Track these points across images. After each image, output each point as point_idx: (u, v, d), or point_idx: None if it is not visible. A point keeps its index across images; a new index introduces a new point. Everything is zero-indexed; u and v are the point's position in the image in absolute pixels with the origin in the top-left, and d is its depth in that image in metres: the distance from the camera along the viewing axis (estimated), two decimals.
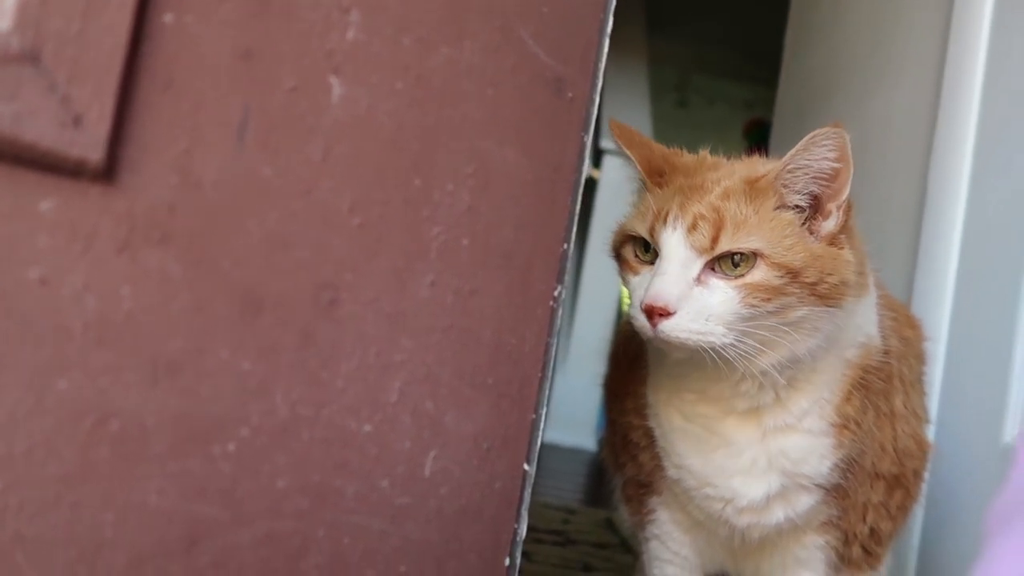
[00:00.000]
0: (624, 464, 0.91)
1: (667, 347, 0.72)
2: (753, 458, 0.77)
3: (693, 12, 3.72)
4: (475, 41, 0.58)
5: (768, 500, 0.78)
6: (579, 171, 0.63)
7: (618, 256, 0.80)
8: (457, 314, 0.58)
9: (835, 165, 0.72)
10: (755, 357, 0.71)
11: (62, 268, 0.47)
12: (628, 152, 0.79)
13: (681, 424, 0.80)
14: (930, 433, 0.91)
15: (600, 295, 3.07)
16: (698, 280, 0.70)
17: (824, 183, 0.73)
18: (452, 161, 0.57)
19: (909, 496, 0.85)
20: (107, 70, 0.46)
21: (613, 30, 0.66)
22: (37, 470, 0.47)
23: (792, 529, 0.81)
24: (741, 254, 0.70)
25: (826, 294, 0.71)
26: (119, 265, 0.48)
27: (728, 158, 0.82)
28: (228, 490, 0.51)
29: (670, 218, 0.72)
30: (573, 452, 2.98)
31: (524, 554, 1.21)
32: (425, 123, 0.56)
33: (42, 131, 0.44)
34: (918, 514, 1.04)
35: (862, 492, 0.81)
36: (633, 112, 3.15)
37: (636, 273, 0.76)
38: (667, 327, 0.69)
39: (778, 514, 0.78)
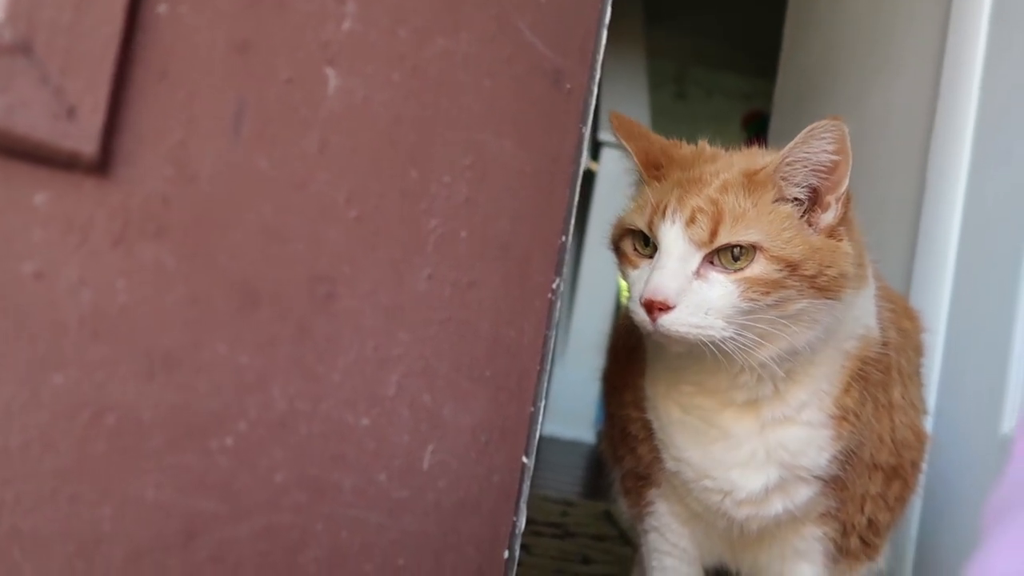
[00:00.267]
0: (623, 456, 0.91)
1: (667, 341, 0.72)
2: (752, 450, 0.77)
3: (691, 4, 3.71)
4: (471, 32, 0.57)
5: (767, 492, 0.78)
6: (577, 163, 0.63)
7: (617, 250, 0.79)
8: (455, 307, 0.58)
9: (834, 157, 0.72)
10: (754, 350, 0.71)
11: (57, 262, 0.47)
12: (626, 145, 0.79)
13: (679, 416, 0.80)
14: (928, 424, 0.91)
15: (599, 288, 3.07)
16: (697, 274, 0.70)
17: (823, 175, 0.73)
18: (449, 153, 0.57)
19: (907, 487, 0.85)
20: (100, 61, 0.45)
21: (611, 22, 0.65)
22: (33, 464, 0.46)
23: (790, 521, 0.81)
24: (740, 247, 0.70)
25: (825, 286, 0.71)
26: (114, 258, 0.48)
27: (726, 149, 0.82)
28: (226, 484, 0.51)
29: (668, 211, 0.72)
30: (572, 445, 2.98)
31: (523, 547, 1.22)
32: (422, 114, 0.56)
33: (35, 123, 0.44)
34: (916, 505, 1.04)
35: (860, 483, 0.81)
36: (631, 104, 3.14)
37: (635, 267, 0.75)
38: (667, 321, 0.69)
39: (776, 506, 0.79)
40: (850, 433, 0.78)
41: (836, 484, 0.80)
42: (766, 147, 0.83)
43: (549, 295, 0.61)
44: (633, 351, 0.85)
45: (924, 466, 0.89)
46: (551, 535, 1.48)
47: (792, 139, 0.72)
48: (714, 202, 0.71)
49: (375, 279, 0.55)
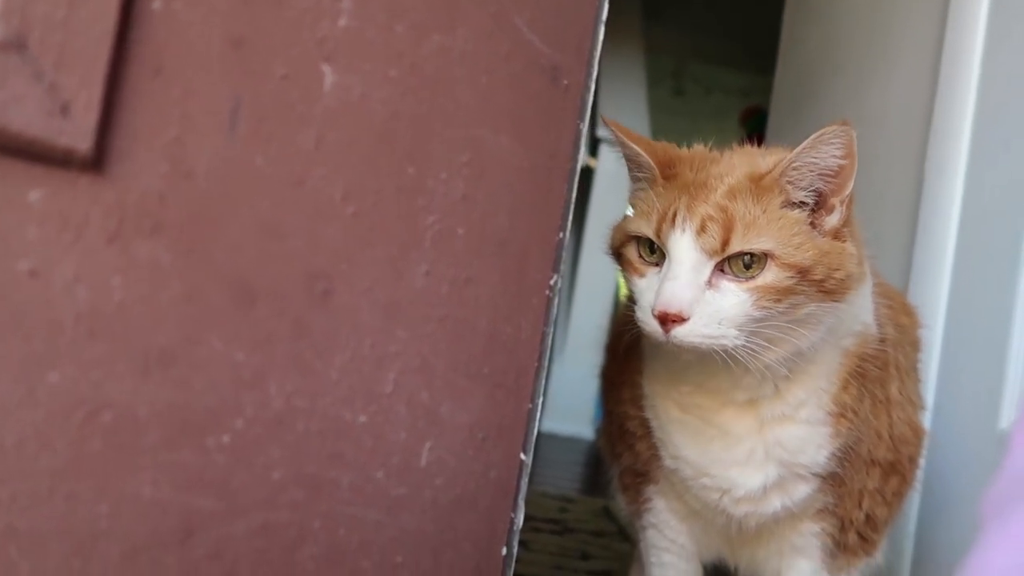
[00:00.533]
0: (621, 453, 0.91)
1: (679, 351, 0.72)
2: (750, 449, 0.77)
3: (689, 0, 3.71)
4: (468, 28, 0.57)
5: (765, 490, 0.78)
6: (575, 159, 0.63)
7: (618, 256, 0.79)
8: (452, 304, 0.57)
9: (841, 162, 0.72)
10: (762, 353, 0.70)
11: (52, 259, 0.46)
12: (634, 146, 0.77)
13: (678, 415, 0.80)
14: (926, 420, 0.91)
15: (597, 285, 3.07)
16: (709, 283, 0.70)
17: (829, 179, 0.72)
18: (446, 149, 0.57)
19: (904, 482, 0.86)
20: (95, 57, 0.45)
21: (609, 19, 0.65)
22: (29, 463, 0.46)
23: (788, 517, 0.81)
24: (752, 255, 0.69)
25: (833, 289, 0.71)
26: (110, 256, 0.48)
27: (720, 150, 0.81)
28: (223, 481, 0.51)
29: (678, 219, 0.71)
30: (571, 441, 2.98)
31: (522, 543, 1.22)
32: (418, 111, 0.56)
33: (29, 120, 0.44)
34: (914, 500, 1.04)
35: (858, 479, 0.81)
36: (629, 101, 3.14)
37: (641, 275, 0.74)
38: (681, 333, 0.69)
39: (775, 503, 0.79)
40: (848, 430, 0.78)
41: (834, 480, 0.80)
42: (762, 144, 0.83)
43: (547, 292, 0.61)
44: (631, 349, 0.85)
45: (922, 462, 0.89)
46: (550, 531, 1.49)
47: (791, 135, 0.72)
48: (724, 209, 0.70)
49: (372, 276, 0.55)
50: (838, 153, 0.71)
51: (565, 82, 0.61)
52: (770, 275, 0.69)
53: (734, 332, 0.69)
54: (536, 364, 0.61)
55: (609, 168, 2.99)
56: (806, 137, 0.71)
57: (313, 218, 0.53)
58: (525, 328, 0.60)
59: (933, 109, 1.19)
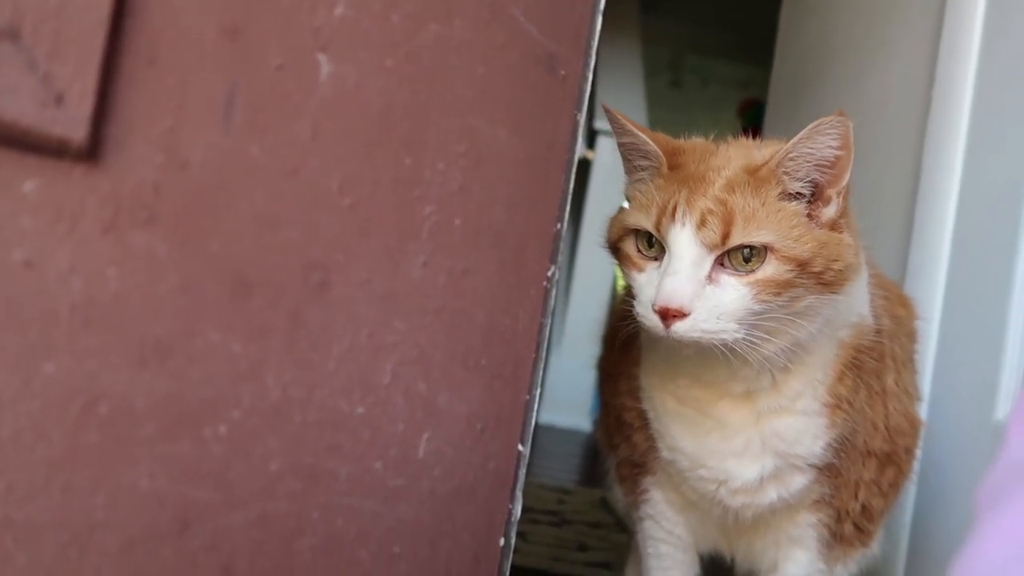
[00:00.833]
0: (618, 445, 0.91)
1: (679, 345, 0.72)
2: (747, 440, 0.77)
3: None
4: (465, 17, 0.57)
5: (761, 481, 0.78)
6: (572, 150, 0.63)
7: (615, 250, 0.78)
8: (449, 295, 0.57)
9: (837, 152, 0.71)
10: (761, 346, 0.71)
11: (47, 250, 0.46)
12: (642, 135, 0.76)
13: (675, 407, 0.80)
14: (923, 411, 0.92)
15: (595, 277, 3.07)
16: (709, 278, 0.70)
17: (825, 170, 0.72)
18: (443, 139, 0.57)
19: (901, 473, 0.86)
20: (89, 46, 0.45)
21: (606, 10, 0.65)
22: (25, 454, 0.46)
23: (785, 508, 0.81)
24: (752, 248, 0.69)
25: (832, 281, 0.71)
26: (105, 246, 0.47)
27: (716, 142, 0.80)
28: (220, 473, 0.51)
29: (678, 213, 0.70)
30: (569, 433, 2.99)
31: (519, 534, 1.21)
32: (415, 101, 0.56)
33: (23, 109, 0.43)
34: (910, 491, 1.05)
35: (854, 470, 0.82)
36: (627, 92, 3.13)
37: (640, 270, 0.74)
38: (681, 328, 0.69)
39: (771, 494, 0.79)
40: (844, 421, 0.78)
41: (830, 471, 0.80)
42: (760, 136, 0.82)
43: (544, 283, 0.61)
44: (628, 340, 0.85)
45: (918, 452, 0.89)
46: (548, 523, 1.49)
47: (788, 127, 0.72)
48: (723, 202, 0.70)
49: (369, 267, 0.55)
50: (834, 144, 0.71)
51: (562, 72, 0.61)
52: (770, 268, 0.69)
53: (734, 326, 0.69)
54: (534, 355, 0.61)
55: (607, 160, 2.98)
56: (803, 129, 0.71)
57: (309, 209, 0.53)
58: (523, 319, 0.60)
59: (930, 100, 1.19)
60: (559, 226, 0.62)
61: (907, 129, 1.28)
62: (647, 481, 0.88)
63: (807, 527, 0.83)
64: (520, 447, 0.61)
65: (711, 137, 0.81)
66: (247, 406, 0.51)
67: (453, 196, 0.57)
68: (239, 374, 0.51)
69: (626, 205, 0.80)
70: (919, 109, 1.24)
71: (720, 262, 0.70)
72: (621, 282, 0.80)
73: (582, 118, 0.64)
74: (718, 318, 0.69)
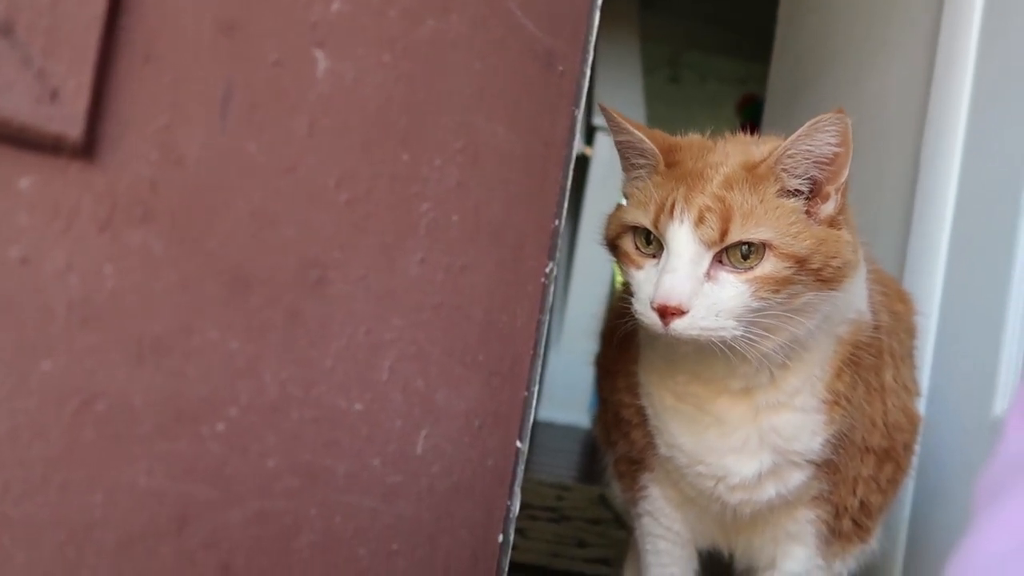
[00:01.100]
0: (616, 441, 0.91)
1: (677, 342, 0.72)
2: (745, 436, 0.77)
3: None
4: (462, 13, 0.57)
5: (760, 477, 0.78)
6: (570, 146, 0.62)
7: (613, 247, 0.78)
8: (447, 291, 0.57)
9: (836, 149, 0.71)
10: (759, 343, 0.71)
11: (43, 247, 0.46)
12: (638, 133, 0.76)
13: (673, 404, 0.80)
14: (921, 406, 0.92)
15: (593, 273, 3.07)
16: (707, 275, 0.70)
17: (824, 166, 0.72)
18: (440, 136, 0.56)
19: (899, 469, 0.86)
20: (84, 43, 0.45)
21: (604, 5, 0.64)
22: (23, 452, 0.46)
23: (783, 504, 0.81)
24: (750, 245, 0.69)
25: (830, 277, 0.71)
26: (101, 243, 0.47)
27: (713, 139, 0.80)
28: (218, 470, 0.51)
29: (676, 211, 0.70)
30: (567, 430, 2.99)
31: (518, 530, 1.22)
32: (412, 97, 0.55)
33: (18, 106, 0.43)
34: (909, 487, 1.05)
35: (852, 466, 0.82)
36: (625, 88, 3.13)
37: (639, 267, 0.74)
38: (680, 326, 0.68)
39: (770, 491, 0.79)
40: (842, 417, 0.78)
41: (829, 468, 0.80)
42: (758, 132, 0.82)
43: (542, 279, 0.61)
44: (626, 337, 0.85)
45: (916, 448, 0.89)
46: (547, 519, 1.49)
47: (787, 123, 0.72)
48: (721, 199, 0.70)
49: (367, 264, 0.55)
50: (833, 141, 0.71)
51: (560, 68, 0.61)
52: (768, 265, 0.69)
53: (733, 323, 0.69)
54: (532, 352, 0.61)
55: (605, 156, 2.98)
56: (802, 125, 0.71)
57: (306, 206, 0.53)
58: (521, 316, 0.60)
59: (929, 97, 1.19)
60: (557, 222, 0.62)
61: (905, 125, 1.27)
62: (645, 477, 0.88)
63: (805, 523, 0.83)
64: (518, 443, 0.61)
65: (708, 133, 0.81)
66: (245, 403, 0.51)
67: (451, 192, 0.57)
68: (237, 371, 0.51)
69: (624, 202, 0.80)
70: (917, 106, 1.24)
71: (718, 259, 0.70)
72: (619, 279, 0.80)
73: (580, 114, 0.63)
74: (717, 315, 0.69)
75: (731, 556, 0.89)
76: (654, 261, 0.73)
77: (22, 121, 0.44)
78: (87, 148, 0.47)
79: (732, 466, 0.78)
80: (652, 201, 0.73)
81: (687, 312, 0.68)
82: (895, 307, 0.88)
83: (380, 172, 0.55)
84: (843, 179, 0.73)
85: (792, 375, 0.76)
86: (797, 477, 0.79)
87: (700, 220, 0.69)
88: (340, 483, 0.54)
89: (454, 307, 0.57)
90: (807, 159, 0.72)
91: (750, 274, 0.69)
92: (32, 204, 0.46)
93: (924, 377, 1.07)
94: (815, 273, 0.70)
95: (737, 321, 0.69)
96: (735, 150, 0.76)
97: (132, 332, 0.48)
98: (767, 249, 0.69)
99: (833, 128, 0.70)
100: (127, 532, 0.48)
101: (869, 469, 0.83)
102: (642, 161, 0.78)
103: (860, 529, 0.85)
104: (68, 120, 0.45)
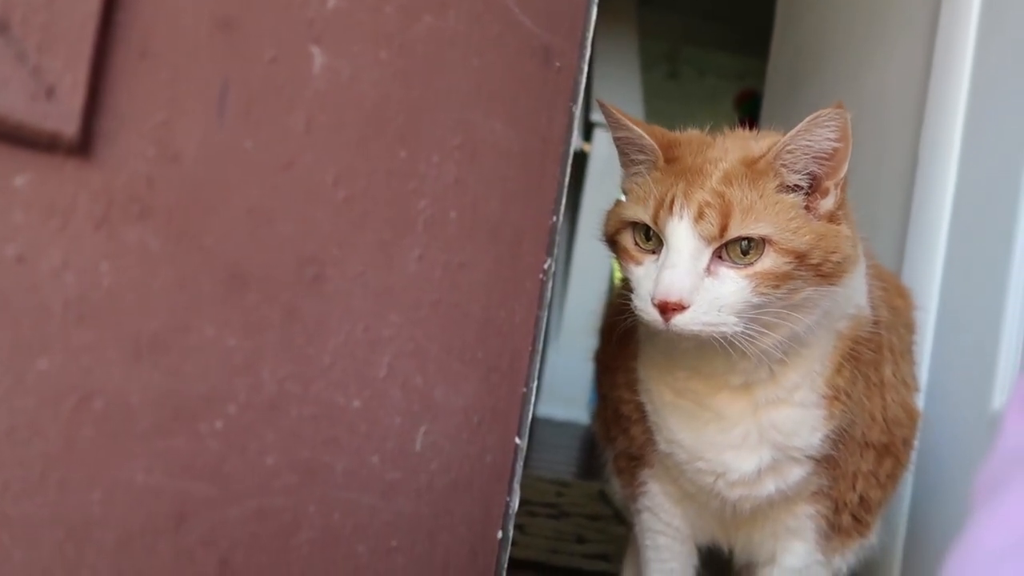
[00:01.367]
0: (615, 437, 0.91)
1: (678, 338, 0.72)
2: (744, 432, 0.77)
3: None
4: (459, 9, 0.57)
5: (759, 473, 0.78)
6: (568, 142, 0.62)
7: (613, 243, 0.78)
8: (445, 288, 0.57)
9: (836, 144, 0.71)
10: (759, 339, 0.70)
11: (39, 245, 0.46)
12: (637, 128, 0.76)
13: (672, 400, 0.80)
14: (920, 401, 0.92)
15: (592, 270, 3.07)
16: (708, 271, 0.69)
17: (823, 162, 0.72)
18: (437, 132, 0.56)
19: (899, 464, 0.86)
20: (79, 39, 0.44)
21: (602, 2, 0.64)
22: (21, 450, 0.46)
23: (783, 500, 0.81)
24: (750, 240, 0.69)
25: (830, 273, 0.71)
26: (98, 241, 0.47)
27: (712, 134, 0.80)
28: (216, 467, 0.51)
29: (676, 206, 0.70)
30: (567, 426, 2.99)
31: (518, 527, 1.22)
32: (409, 93, 0.55)
33: (13, 103, 0.43)
34: (908, 482, 1.05)
35: (852, 461, 0.82)
36: (624, 85, 3.12)
37: (638, 263, 0.74)
38: (681, 321, 0.68)
39: (769, 486, 0.79)
40: (842, 412, 0.78)
41: (828, 463, 0.80)
42: (756, 127, 0.82)
43: (540, 276, 0.61)
44: (625, 333, 0.85)
45: (916, 443, 0.90)
46: (546, 515, 1.49)
47: (785, 118, 0.71)
48: (720, 195, 0.70)
49: (364, 260, 0.55)
50: (832, 136, 0.71)
51: (557, 64, 0.61)
52: (768, 261, 0.69)
53: (733, 319, 0.69)
54: (530, 348, 0.61)
55: (603, 153, 2.97)
56: (800, 120, 0.71)
57: (304, 202, 0.53)
58: (519, 312, 0.60)
59: (927, 91, 1.19)
60: (555, 219, 0.62)
61: (904, 120, 1.27)
62: (645, 473, 0.88)
63: (805, 518, 0.83)
64: (517, 440, 0.61)
65: (707, 129, 0.81)
66: (243, 400, 0.51)
67: (448, 189, 0.57)
68: (234, 369, 0.51)
69: (623, 198, 0.80)
70: (916, 101, 1.24)
71: (718, 255, 0.70)
72: (618, 275, 0.80)
73: (578, 110, 0.63)
74: (718, 311, 0.68)
75: (731, 551, 0.89)
76: (654, 257, 0.73)
77: (17, 118, 0.44)
78: (83, 145, 0.46)
79: (731, 462, 0.78)
80: (651, 197, 0.73)
81: (688, 308, 0.68)
82: (894, 302, 0.88)
83: (377, 169, 0.55)
84: (842, 174, 0.73)
85: (792, 371, 0.76)
86: (797, 473, 0.79)
87: (700, 216, 0.69)
88: (339, 480, 0.54)
89: (452, 304, 0.57)
90: (806, 154, 0.71)
91: (750, 269, 0.69)
92: (28, 202, 0.46)
93: (923, 372, 1.07)
94: (815, 268, 0.70)
95: (738, 317, 0.69)
96: (734, 146, 0.76)
97: (129, 330, 0.48)
98: (767, 244, 0.69)
99: (832, 123, 0.70)
100: (126, 530, 0.48)
101: (868, 464, 0.83)
102: (641, 157, 0.77)
103: (859, 524, 0.85)
104: (64, 117, 0.45)
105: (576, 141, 0.66)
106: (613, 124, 0.78)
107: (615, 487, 0.97)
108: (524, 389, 0.61)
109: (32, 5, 0.44)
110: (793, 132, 0.71)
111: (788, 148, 0.71)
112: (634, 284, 0.74)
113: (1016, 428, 0.39)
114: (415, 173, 0.56)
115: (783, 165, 0.72)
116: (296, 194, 0.52)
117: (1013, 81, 1.02)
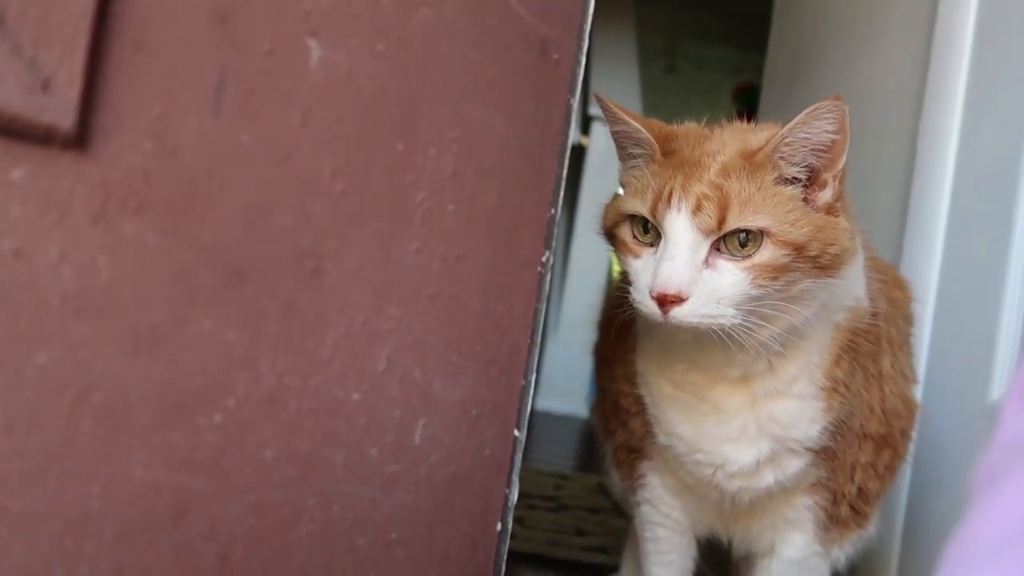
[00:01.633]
0: (614, 430, 0.91)
1: (677, 331, 0.72)
2: (743, 424, 0.77)
3: None
4: (456, 1, 0.56)
5: (758, 465, 0.78)
6: (565, 135, 0.62)
7: (611, 236, 0.78)
8: (444, 281, 0.57)
9: (834, 137, 0.71)
10: (757, 331, 0.71)
11: (37, 239, 0.46)
12: (634, 122, 0.76)
13: (671, 392, 0.80)
14: (918, 393, 0.92)
15: (591, 263, 3.07)
16: (706, 263, 0.70)
17: (821, 154, 0.72)
18: (435, 125, 0.56)
19: (897, 456, 0.86)
20: (75, 32, 0.44)
21: None
22: (19, 444, 0.46)
23: (782, 491, 0.81)
24: (748, 232, 0.69)
25: (828, 265, 0.71)
26: (95, 235, 0.47)
27: (710, 127, 0.80)
28: (215, 461, 0.51)
29: (674, 199, 0.70)
30: (566, 419, 3.00)
31: (517, 519, 1.22)
32: (407, 86, 0.55)
33: (9, 96, 0.43)
34: (906, 473, 1.05)
35: (850, 453, 0.82)
36: (621, 78, 3.12)
37: (637, 256, 0.74)
38: (679, 313, 0.68)
39: (768, 478, 0.79)
40: (840, 404, 0.78)
41: (827, 455, 0.80)
42: (754, 120, 0.82)
43: (539, 268, 0.61)
44: (624, 326, 0.85)
45: (914, 434, 0.90)
46: (545, 508, 1.49)
47: (783, 111, 0.71)
48: (718, 187, 0.70)
49: (362, 254, 0.54)
50: (831, 128, 0.71)
51: (555, 56, 0.60)
52: (766, 253, 0.69)
53: (732, 311, 0.69)
54: (529, 341, 0.61)
55: (601, 146, 2.97)
56: (798, 113, 0.71)
57: (301, 196, 0.52)
58: (517, 305, 0.60)
59: (925, 83, 1.19)
60: (553, 211, 0.62)
61: (902, 112, 1.27)
62: (644, 466, 0.88)
63: (804, 510, 0.83)
64: (516, 433, 0.61)
65: (705, 122, 0.81)
66: (242, 394, 0.51)
67: (446, 182, 0.57)
68: (233, 362, 0.51)
69: (621, 191, 0.80)
70: (914, 92, 1.24)
71: (716, 247, 0.70)
72: (617, 268, 0.80)
73: (575, 103, 0.63)
74: (717, 303, 0.69)
75: (730, 543, 0.90)
76: (652, 250, 0.73)
77: (13, 112, 0.43)
78: (79, 138, 0.46)
79: (730, 454, 0.78)
80: (649, 190, 0.72)
81: (686, 300, 0.68)
82: (893, 294, 0.88)
83: (375, 162, 0.55)
84: (840, 166, 0.73)
85: (790, 363, 0.76)
86: (795, 464, 0.79)
87: (698, 208, 0.69)
88: (338, 473, 0.54)
89: (451, 297, 0.57)
90: (804, 147, 0.71)
91: (748, 262, 0.69)
92: (25, 196, 0.45)
93: (921, 363, 1.07)
94: (813, 260, 0.70)
95: (736, 309, 0.69)
96: (732, 138, 0.76)
97: (127, 323, 0.48)
98: (765, 237, 0.69)
99: (830, 115, 0.70)
100: (125, 524, 0.48)
101: (867, 456, 0.83)
102: (639, 150, 0.77)
103: (858, 515, 0.85)
104: (60, 110, 0.44)
105: (574, 135, 0.66)
106: (610, 118, 0.77)
107: (614, 480, 0.98)
108: (523, 382, 0.61)
109: None
110: (791, 124, 0.71)
111: (786, 140, 0.71)
112: (632, 277, 0.74)
113: (1014, 419, 0.40)
114: (413, 166, 0.56)
115: (781, 157, 0.72)
116: (293, 187, 0.52)
117: (1012, 72, 1.02)
